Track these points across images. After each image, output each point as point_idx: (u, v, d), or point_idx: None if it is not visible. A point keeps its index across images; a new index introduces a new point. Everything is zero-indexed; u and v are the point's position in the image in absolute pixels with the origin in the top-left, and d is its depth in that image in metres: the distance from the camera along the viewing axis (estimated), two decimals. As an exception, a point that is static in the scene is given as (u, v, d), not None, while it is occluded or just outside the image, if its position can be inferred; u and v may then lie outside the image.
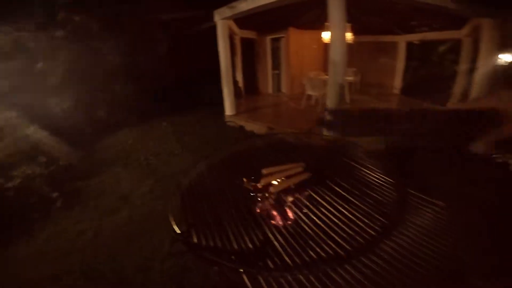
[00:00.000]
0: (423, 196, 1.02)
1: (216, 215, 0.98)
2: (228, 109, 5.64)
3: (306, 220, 0.92)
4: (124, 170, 3.96)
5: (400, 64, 8.15)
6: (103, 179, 3.74)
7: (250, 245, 0.82)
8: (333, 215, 0.92)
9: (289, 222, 0.93)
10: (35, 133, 4.04)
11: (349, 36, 5.65)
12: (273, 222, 0.94)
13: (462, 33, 5.61)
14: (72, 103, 5.00)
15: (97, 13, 4.59)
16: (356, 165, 1.22)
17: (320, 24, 4.20)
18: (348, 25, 5.58)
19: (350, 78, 6.74)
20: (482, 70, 4.26)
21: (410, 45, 7.97)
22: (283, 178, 1.04)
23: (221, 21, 5.11)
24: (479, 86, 4.27)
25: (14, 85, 4.37)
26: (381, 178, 1.11)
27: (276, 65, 8.28)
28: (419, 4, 3.64)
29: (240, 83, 7.76)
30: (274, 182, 1.03)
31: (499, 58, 8.65)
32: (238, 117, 5.47)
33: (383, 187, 1.06)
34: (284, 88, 8.30)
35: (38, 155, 3.65)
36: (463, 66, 5.78)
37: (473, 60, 5.05)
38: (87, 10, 4.49)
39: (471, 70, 4.93)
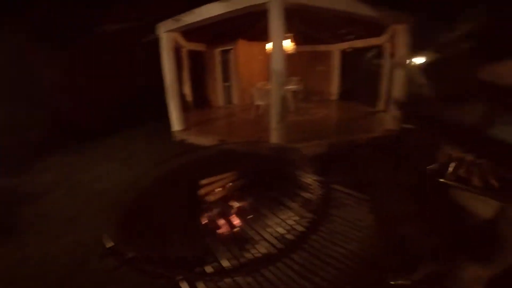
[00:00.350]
0: (349, 191, 1.17)
1: (157, 228, 0.98)
2: (176, 124, 5.48)
3: (245, 225, 0.99)
4: (67, 193, 3.63)
5: (335, 71, 9.02)
6: (44, 203, 3.39)
7: (191, 253, 0.86)
8: (267, 218, 1.00)
9: (231, 229, 0.98)
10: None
11: (291, 46, 6.04)
12: (217, 230, 0.98)
13: (383, 39, 6.43)
14: (2, 122, 4.39)
15: (30, 23, 4.12)
16: (291, 169, 1.33)
17: (266, 35, 4.45)
18: (291, 35, 6.01)
19: (294, 87, 7.13)
20: (398, 73, 4.90)
21: (343, 53, 8.87)
22: (220, 188, 1.11)
23: (166, 33, 5.00)
24: (397, 87, 4.91)
25: None
26: (312, 179, 1.22)
27: (226, 77, 8.38)
28: (344, 14, 4.08)
29: (189, 97, 7.68)
30: (213, 191, 1.09)
31: (412, 61, 10.21)
32: (187, 131, 5.36)
33: (313, 187, 1.16)
34: (235, 100, 8.44)
35: None
36: (385, 70, 6.63)
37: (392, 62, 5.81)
38: (19, 19, 4.00)
39: (391, 73, 5.65)
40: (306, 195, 1.15)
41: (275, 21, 3.61)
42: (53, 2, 4.15)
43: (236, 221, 1.01)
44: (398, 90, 4.91)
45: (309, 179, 1.24)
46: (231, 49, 7.95)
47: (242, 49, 7.83)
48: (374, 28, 5.75)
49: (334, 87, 9.15)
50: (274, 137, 3.95)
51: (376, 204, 2.20)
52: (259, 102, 6.10)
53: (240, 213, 1.06)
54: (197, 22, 4.51)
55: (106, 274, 1.92)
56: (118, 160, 4.54)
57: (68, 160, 4.72)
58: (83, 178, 3.97)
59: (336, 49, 8.76)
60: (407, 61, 5.21)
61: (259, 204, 1.10)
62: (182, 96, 7.02)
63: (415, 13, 4.60)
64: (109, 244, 0.88)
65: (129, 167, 4.28)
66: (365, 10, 4.01)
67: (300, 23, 5.87)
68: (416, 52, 9.95)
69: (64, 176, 4.11)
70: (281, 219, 1.01)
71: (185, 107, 6.55)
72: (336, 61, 8.91)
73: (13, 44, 4.25)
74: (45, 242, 2.57)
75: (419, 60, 10.22)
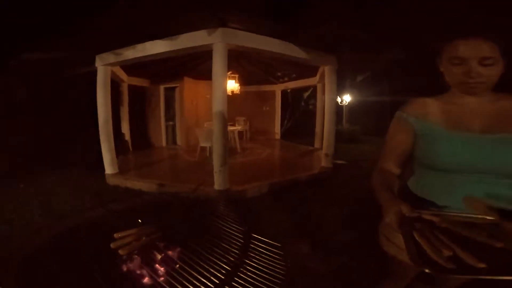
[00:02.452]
0: (265, 240, 1.17)
1: (60, 281, 0.84)
2: (109, 167, 4.90)
3: (170, 275, 0.92)
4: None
5: (277, 111, 9.64)
6: None
7: None
8: (184, 270, 0.94)
9: (149, 280, 0.90)
10: None
11: (236, 86, 6.30)
12: (136, 281, 0.89)
13: (315, 80, 7.14)
14: None
15: None
16: (213, 218, 1.33)
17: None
18: (235, 75, 6.30)
19: (241, 127, 7.32)
20: (328, 109, 5.41)
21: (284, 93, 9.67)
22: (133, 240, 1.02)
23: (103, 67, 4.69)
24: (328, 124, 5.37)
25: None
26: (232, 228, 1.23)
27: (170, 116, 8.13)
28: (280, 55, 4.44)
29: (127, 136, 7.14)
30: (128, 244, 0.99)
31: (339, 99, 11.69)
32: (122, 175, 4.84)
33: (232, 236, 1.18)
34: (179, 140, 8.13)
35: None
36: (318, 108, 7.30)
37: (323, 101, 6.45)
38: None
39: (322, 110, 6.21)
40: (224, 245, 1.15)
41: (218, 62, 3.76)
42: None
43: (156, 270, 0.94)
44: (328, 127, 5.38)
45: (228, 228, 1.25)
46: (176, 86, 7.84)
47: (188, 87, 7.78)
48: (308, 70, 6.37)
49: (277, 126, 9.73)
50: (218, 181, 3.85)
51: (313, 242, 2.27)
52: (204, 144, 5.98)
53: (161, 262, 0.99)
54: (138, 57, 4.40)
55: None
56: (36, 203, 3.82)
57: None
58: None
59: (278, 89, 9.43)
60: (336, 100, 5.83)
61: (178, 256, 1.04)
62: (119, 136, 6.56)
63: (341, 54, 5.15)
64: None
65: (48, 212, 3.61)
66: (297, 52, 4.45)
67: (247, 64, 6.24)
68: (343, 91, 11.59)
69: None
70: (197, 271, 0.95)
71: (122, 147, 6.08)
72: (278, 101, 9.58)
73: None
74: None
75: (346, 98, 11.85)
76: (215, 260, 0.98)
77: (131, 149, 7.08)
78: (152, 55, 4.28)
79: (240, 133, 7.19)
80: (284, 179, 4.53)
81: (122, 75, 6.45)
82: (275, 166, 5.92)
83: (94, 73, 4.77)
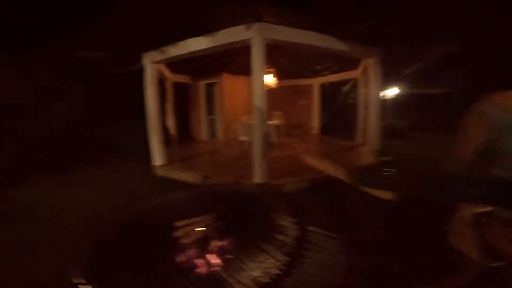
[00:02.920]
0: (323, 232, 1.15)
1: (126, 267, 0.92)
2: (157, 158, 5.28)
3: (222, 266, 0.95)
4: (28, 224, 3.35)
5: (315, 105, 9.36)
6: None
7: None
8: (242, 261, 0.97)
9: (209, 268, 0.94)
10: None
11: (273, 80, 6.26)
12: (195, 270, 0.93)
13: (357, 73, 6.80)
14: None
15: (8, 46, 4.04)
16: (267, 210, 1.33)
17: (249, 69, 4.64)
18: (273, 70, 6.28)
19: (277, 122, 7.25)
20: (373, 103, 5.13)
21: (322, 87, 9.34)
22: (196, 229, 1.07)
23: (150, 64, 5.02)
24: (372, 119, 5.10)
25: None
26: (287, 221, 1.23)
27: (210, 111, 8.39)
28: (320, 49, 4.34)
29: (172, 130, 7.57)
30: (190, 233, 1.04)
31: (383, 93, 10.88)
32: (169, 167, 5.17)
33: (287, 229, 1.17)
34: (218, 134, 8.36)
35: None
36: (360, 102, 6.91)
37: (367, 94, 6.10)
38: None
39: (366, 104, 5.89)
40: (281, 237, 1.14)
41: (257, 57, 3.78)
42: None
43: (214, 260, 0.97)
44: (373, 122, 5.10)
45: (284, 221, 1.24)
46: (215, 82, 8.06)
47: (227, 83, 7.96)
48: (349, 62, 6.13)
49: (315, 121, 9.47)
50: (257, 174, 3.90)
51: (351, 240, 2.18)
52: (243, 138, 6.06)
53: (218, 252, 1.03)
54: (182, 54, 4.61)
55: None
56: (94, 191, 4.28)
57: (40, 189, 4.41)
58: (49, 210, 3.69)
59: (316, 83, 9.18)
60: (380, 94, 5.50)
61: (235, 246, 1.06)
62: (165, 129, 6.97)
63: (388, 46, 4.88)
64: (77, 280, 0.79)
65: (105, 200, 4.01)
66: (339, 45, 4.30)
67: (282, 58, 6.19)
68: (388, 84, 10.78)
69: (27, 207, 3.78)
70: (257, 262, 0.97)
71: (168, 140, 6.45)
72: (316, 95, 9.30)
73: None
74: None
75: (392, 92, 11.01)
76: (272, 251, 0.98)
77: (175, 142, 7.46)
78: (193, 52, 4.46)
79: (277, 127, 7.14)
80: (323, 174, 4.38)
81: (167, 72, 6.83)
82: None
83: (141, 71, 5.14)
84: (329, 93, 10.54)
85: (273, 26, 3.78)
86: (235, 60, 6.31)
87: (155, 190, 4.29)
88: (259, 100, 3.81)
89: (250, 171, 3.94)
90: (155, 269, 0.96)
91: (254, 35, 3.73)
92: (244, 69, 6.77)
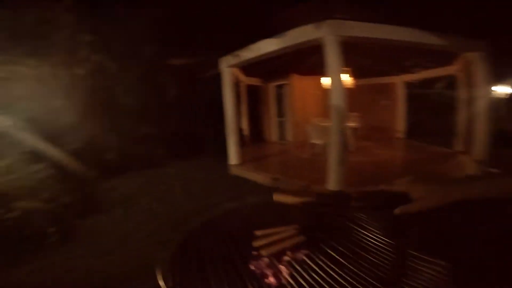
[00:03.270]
0: (424, 256, 0.94)
1: (204, 272, 0.92)
2: (233, 158, 5.56)
3: (297, 281, 0.85)
4: (125, 213, 3.92)
5: (400, 105, 8.22)
6: (103, 219, 3.72)
7: None
8: (324, 282, 0.84)
9: (279, 280, 0.86)
10: (44, 169, 4.11)
11: (349, 80, 5.84)
12: (265, 280, 0.87)
13: (455, 69, 5.71)
14: (84, 142, 5.15)
15: (113, 53, 4.92)
16: (353, 225, 1.16)
17: (321, 69, 4.45)
18: (348, 69, 5.88)
19: (353, 124, 6.74)
20: (480, 103, 4.19)
21: (408, 85, 8.14)
22: (275, 241, 1.01)
23: (227, 68, 5.30)
24: (480, 120, 4.17)
25: (33, 121, 4.54)
26: (378, 239, 1.04)
27: (280, 112, 8.43)
28: (407, 44, 3.81)
29: (245, 131, 7.85)
30: (270, 244, 0.98)
31: (493, 90, 8.72)
32: (242, 166, 5.39)
33: (380, 249, 0.98)
34: (289, 136, 8.31)
35: (43, 190, 3.71)
36: (460, 103, 5.80)
37: (470, 94, 5.03)
38: (105, 50, 4.81)
39: (469, 105, 4.85)
40: (372, 259, 0.95)
41: (332, 56, 3.54)
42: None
43: (285, 272, 0.88)
44: (480, 126, 4.16)
45: (374, 239, 1.05)
46: (285, 83, 8.05)
47: (296, 84, 7.86)
48: (443, 57, 5.22)
49: (400, 123, 8.34)
50: (332, 180, 3.64)
51: (462, 270, 1.74)
52: (314, 140, 5.83)
53: (296, 269, 0.93)
54: (254, 57, 4.73)
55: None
56: (178, 186, 4.75)
57: (133, 182, 5.16)
58: (141, 201, 4.26)
59: (400, 82, 8.11)
60: (488, 92, 4.49)
61: (317, 265, 0.93)
62: (239, 131, 7.33)
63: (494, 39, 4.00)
64: (162, 282, 0.84)
65: (187, 194, 4.44)
66: (431, 39, 3.66)
67: (358, 56, 5.71)
68: (497, 81, 8.66)
69: (127, 197, 4.47)
70: (341, 284, 0.82)
71: (241, 141, 6.74)
72: (400, 95, 8.20)
73: (101, 74, 5.01)
74: (94, 256, 2.72)
75: (501, 90, 8.80)
76: (363, 275, 0.82)
77: (248, 143, 7.73)
78: (264, 54, 4.51)
79: (353, 130, 6.60)
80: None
81: (241, 75, 7.11)
82: (398, 169, 5.06)
83: (219, 75, 5.51)
84: (417, 92, 9.15)
85: (347, 22, 3.49)
86: (304, 61, 6.16)
87: (231, 190, 4.53)
88: (337, 101, 3.56)
89: (323, 176, 3.71)
90: (229, 274, 0.91)
91: (325, 33, 3.51)
92: (315, 70, 6.50)
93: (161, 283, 0.83)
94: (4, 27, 3.62)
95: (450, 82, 6.77)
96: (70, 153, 4.97)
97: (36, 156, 4.27)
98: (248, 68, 6.02)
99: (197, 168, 5.84)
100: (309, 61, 6.01)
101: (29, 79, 3.97)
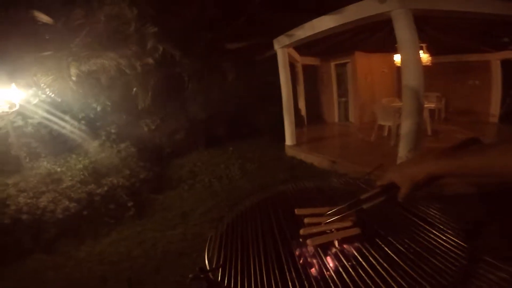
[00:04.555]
0: (492, 261, 0.76)
1: (248, 256, 0.93)
2: (289, 139, 5.52)
3: (341, 277, 0.77)
4: (190, 189, 4.29)
5: (495, 86, 6.75)
6: (172, 195, 4.12)
7: None
8: (372, 281, 0.74)
9: (324, 274, 0.80)
10: (126, 149, 4.78)
11: (425, 57, 5.11)
12: (307, 270, 0.83)
13: None
14: (157, 125, 5.79)
15: (177, 42, 5.23)
16: (418, 220, 1.00)
17: (390, 45, 3.91)
18: (423, 45, 5.09)
19: (432, 105, 5.86)
20: None
21: (506, 64, 6.56)
22: (325, 230, 0.93)
23: (281, 49, 5.20)
24: None
25: (116, 106, 5.34)
26: (447, 240, 0.86)
27: (342, 92, 7.94)
28: (497, 17, 3.05)
29: (303, 112, 7.65)
30: (316, 233, 0.92)
31: None
32: (298, 147, 5.31)
33: (448, 252, 0.82)
34: (352, 117, 7.81)
35: (125, 168, 4.24)
36: None
37: None
38: (170, 40, 5.11)
39: None
40: (435, 262, 0.80)
41: (403, 31, 3.06)
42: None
43: (330, 264, 0.81)
44: None
45: (441, 240, 0.88)
46: (347, 62, 7.50)
47: (360, 62, 7.22)
48: None
49: (493, 106, 6.86)
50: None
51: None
52: (382, 122, 5.31)
53: (338, 258, 0.85)
54: (309, 36, 4.44)
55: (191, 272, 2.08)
56: (236, 165, 5.00)
57: (197, 160, 5.56)
58: (204, 178, 4.59)
59: (494, 59, 6.61)
60: None
61: (367, 261, 0.83)
62: (296, 111, 7.17)
63: None
64: (208, 266, 0.87)
65: (244, 174, 4.66)
66: None
67: (437, 31, 4.82)
68: None
69: (192, 174, 4.88)
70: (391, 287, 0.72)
71: (298, 122, 6.58)
72: (495, 74, 6.70)
73: (168, 62, 5.44)
74: (161, 230, 3.05)
75: None
76: (420, 280, 0.70)
77: (306, 124, 7.52)
78: (319, 33, 4.19)
79: (432, 112, 5.73)
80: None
81: (296, 55, 6.88)
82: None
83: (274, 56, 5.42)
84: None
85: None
86: (368, 37, 5.51)
87: (286, 172, 4.53)
88: (413, 80, 3.09)
89: (389, 162, 3.34)
90: (271, 259, 0.88)
91: (393, 7, 3.01)
92: (381, 46, 5.92)
93: (206, 262, 0.87)
94: (83, 25, 4.22)
95: None
96: (146, 134, 5.67)
97: (119, 137, 5.02)
98: (304, 47, 5.77)
99: (254, 148, 5.99)
100: (375, 36, 5.38)
101: (111, 71, 4.58)
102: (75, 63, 4.36)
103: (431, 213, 0.99)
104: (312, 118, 7.83)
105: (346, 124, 7.76)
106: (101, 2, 4.14)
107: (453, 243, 0.80)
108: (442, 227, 0.89)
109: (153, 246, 2.75)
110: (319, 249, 0.85)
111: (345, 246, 0.87)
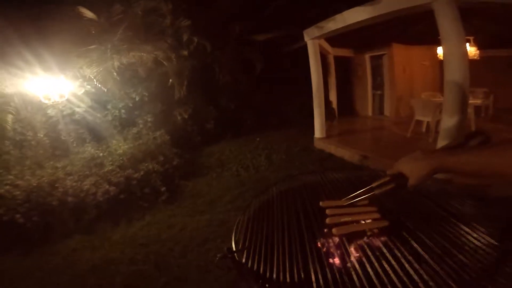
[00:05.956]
0: None
1: (272, 242, 0.97)
2: (318, 131, 5.44)
3: (364, 269, 0.78)
4: (218, 177, 4.42)
5: None
6: (201, 181, 4.27)
7: (293, 278, 0.77)
8: (395, 275, 0.74)
9: (347, 264, 0.81)
10: (161, 136, 5.04)
11: (472, 50, 4.77)
12: (330, 260, 0.85)
13: None
14: (190, 114, 6.01)
15: (208, 34, 5.40)
16: (449, 216, 0.97)
17: (432, 37, 3.61)
18: (471, 37, 4.72)
19: (478, 101, 5.37)
20: None
21: None
22: (351, 221, 0.94)
23: (311, 40, 5.10)
24: None
25: (153, 96, 5.64)
26: (478, 238, 0.83)
27: (377, 85, 7.59)
28: None
29: (334, 104, 7.46)
30: (342, 223, 0.93)
31: None
32: (328, 140, 5.20)
33: (477, 250, 0.79)
34: (387, 111, 7.47)
35: (159, 154, 4.43)
36: None
37: None
38: (202, 32, 5.32)
39: None
40: (463, 259, 0.78)
41: (447, 23, 2.82)
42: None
43: (353, 256, 0.82)
44: None
45: (472, 237, 0.85)
46: (383, 54, 7.11)
47: (398, 54, 6.82)
48: None
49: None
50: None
51: None
52: (420, 117, 5.00)
53: (363, 250, 0.85)
54: (340, 28, 4.31)
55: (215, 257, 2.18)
56: (263, 156, 5.04)
57: (226, 149, 5.68)
58: (232, 167, 4.71)
59: None
60: None
61: (392, 253, 0.83)
62: (327, 103, 7.00)
63: None
64: (234, 247, 0.93)
65: (270, 164, 4.69)
66: None
67: (486, 22, 4.36)
68: None
69: (220, 162, 5.03)
70: (414, 281, 0.72)
71: (330, 114, 6.44)
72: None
73: (201, 54, 5.65)
74: (189, 216, 3.18)
75: None
76: (444, 276, 0.69)
77: (337, 116, 7.33)
78: (351, 24, 4.04)
79: (477, 108, 5.27)
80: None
81: (327, 47, 6.67)
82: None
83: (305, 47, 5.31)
84: None
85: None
86: (408, 28, 5.20)
87: (313, 163, 4.49)
88: (456, 74, 2.87)
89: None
90: (294, 246, 0.90)
91: None
92: (422, 38, 5.59)
93: (233, 244, 0.93)
94: (122, 19, 4.45)
95: None
96: (179, 123, 5.93)
97: (154, 125, 5.31)
98: (337, 38, 5.52)
99: (282, 139, 5.97)
100: (414, 28, 5.06)
101: (148, 63, 4.82)
102: (116, 56, 4.66)
103: (464, 210, 0.95)
104: (344, 110, 7.63)
105: (381, 118, 7.44)
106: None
107: (484, 241, 0.77)
108: (474, 224, 0.85)
109: (180, 231, 2.88)
110: (344, 238, 0.86)
111: (371, 237, 0.87)
